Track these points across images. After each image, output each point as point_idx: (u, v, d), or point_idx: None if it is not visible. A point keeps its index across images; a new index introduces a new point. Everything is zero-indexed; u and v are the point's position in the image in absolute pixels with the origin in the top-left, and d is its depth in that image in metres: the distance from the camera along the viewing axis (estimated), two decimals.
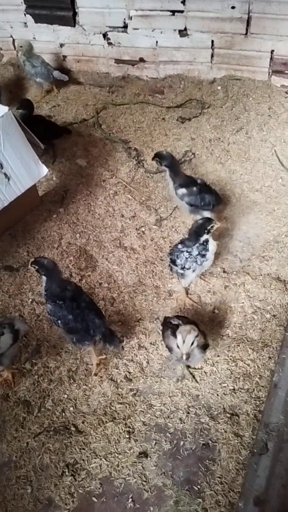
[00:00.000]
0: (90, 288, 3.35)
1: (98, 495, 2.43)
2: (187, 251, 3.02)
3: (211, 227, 2.99)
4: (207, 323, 3.10)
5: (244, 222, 3.75)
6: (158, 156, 3.50)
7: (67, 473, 2.50)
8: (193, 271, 3.04)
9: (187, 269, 3.03)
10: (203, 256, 3.01)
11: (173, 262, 3.11)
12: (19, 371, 2.92)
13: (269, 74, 5.03)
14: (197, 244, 3.00)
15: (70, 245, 3.65)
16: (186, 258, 3.01)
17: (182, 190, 3.47)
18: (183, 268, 3.04)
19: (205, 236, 3.00)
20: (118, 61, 5.32)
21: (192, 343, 2.48)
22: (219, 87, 5.03)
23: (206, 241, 3.01)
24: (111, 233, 3.74)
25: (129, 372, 2.89)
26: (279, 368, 2.81)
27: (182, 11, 4.75)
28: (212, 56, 5.06)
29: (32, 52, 4.97)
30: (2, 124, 3.37)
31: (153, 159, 3.53)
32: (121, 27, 5.10)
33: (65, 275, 3.43)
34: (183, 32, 4.96)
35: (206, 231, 2.99)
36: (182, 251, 3.04)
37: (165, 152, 3.60)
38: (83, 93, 5.21)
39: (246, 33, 4.81)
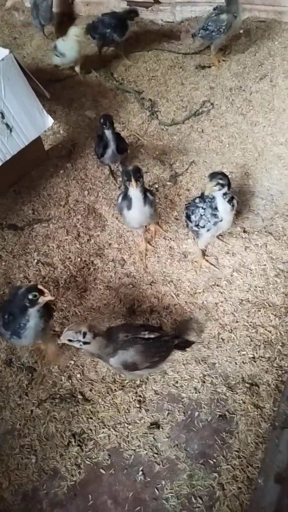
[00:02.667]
0: (99, 249, 3.12)
1: (106, 466, 2.28)
2: (202, 208, 2.73)
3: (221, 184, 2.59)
4: (225, 287, 2.86)
5: (267, 178, 3.43)
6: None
7: (73, 443, 2.35)
8: (208, 230, 2.75)
9: (202, 227, 2.75)
10: (215, 216, 2.70)
11: (188, 217, 2.84)
12: None
13: None
14: (208, 200, 2.70)
15: (77, 203, 3.39)
16: (201, 215, 2.72)
17: None
18: (197, 226, 2.76)
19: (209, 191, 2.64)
20: (131, 2, 4.89)
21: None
22: (241, 31, 4.59)
23: (213, 197, 2.67)
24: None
25: None
26: None
27: None
28: None
29: None
30: (2, 68, 3.07)
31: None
32: None
33: (72, 234, 3.20)
34: None
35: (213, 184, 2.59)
36: (198, 207, 2.75)
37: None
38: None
39: None
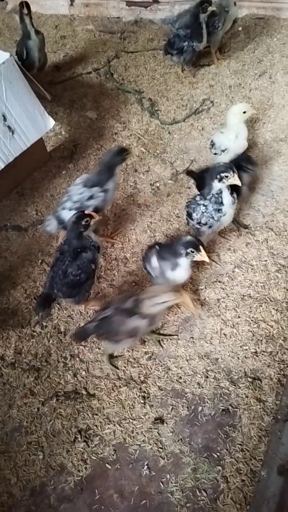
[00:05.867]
0: (102, 248, 3.15)
1: (112, 461, 2.32)
2: (203, 205, 2.76)
3: (225, 176, 2.64)
4: (227, 283, 2.89)
5: (267, 174, 3.45)
6: None
7: (79, 439, 2.39)
8: (210, 227, 2.79)
9: (204, 224, 2.78)
10: (219, 211, 2.73)
11: (189, 215, 2.87)
12: (29, 334, 2.79)
13: None
14: (211, 196, 2.73)
15: None
16: (203, 212, 2.75)
17: None
18: (199, 223, 2.79)
19: (217, 184, 2.69)
20: (130, 3, 4.91)
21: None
22: (240, 28, 4.61)
23: (220, 192, 2.71)
24: (124, 190, 3.51)
25: (144, 335, 2.72)
26: None
27: None
28: None
29: None
30: (3, 71, 3.11)
31: None
32: None
33: None
34: None
35: (218, 177, 2.66)
36: (199, 204, 2.78)
37: None
38: (93, 40, 4.85)
39: None
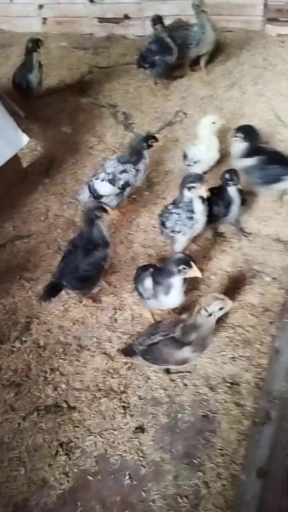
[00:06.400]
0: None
1: (94, 473, 2.32)
2: (176, 213, 2.81)
3: (193, 186, 2.70)
4: (203, 291, 2.93)
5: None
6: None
7: (61, 452, 2.39)
8: (184, 234, 2.84)
9: (178, 232, 2.83)
10: (191, 218, 2.79)
11: (162, 224, 2.92)
12: (9, 350, 2.80)
13: (263, 22, 4.70)
14: (183, 204, 2.79)
15: (57, 217, 3.47)
16: (176, 220, 2.81)
17: None
18: (173, 231, 2.85)
19: (187, 193, 2.74)
20: (102, 19, 5.03)
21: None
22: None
23: (191, 201, 2.76)
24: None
25: (124, 344, 2.75)
26: (281, 333, 2.65)
27: None
28: None
29: None
30: None
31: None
32: None
33: (53, 248, 3.27)
34: None
35: (187, 187, 2.72)
36: (172, 213, 2.83)
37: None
38: (67, 57, 4.94)
39: None
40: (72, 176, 3.74)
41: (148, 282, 2.60)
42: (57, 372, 2.69)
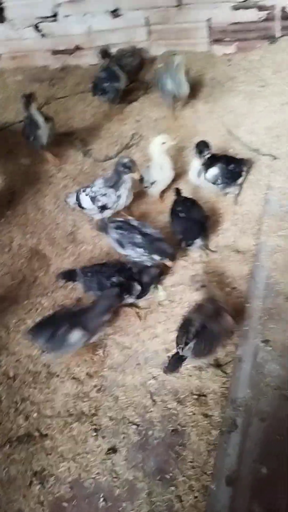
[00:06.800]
0: (45, 288, 3.24)
1: (69, 499, 2.34)
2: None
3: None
4: (166, 306, 3.00)
5: (197, 198, 3.62)
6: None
7: (35, 482, 2.41)
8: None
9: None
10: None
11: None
12: None
13: (209, 44, 4.91)
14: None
15: (21, 247, 3.53)
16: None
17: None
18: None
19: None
20: (55, 52, 5.18)
21: None
22: (160, 64, 4.88)
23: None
24: (64, 229, 3.62)
25: (91, 368, 2.79)
26: (243, 341, 2.72)
27: None
28: (149, 33, 4.93)
29: None
30: None
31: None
32: (51, 16, 4.96)
33: (17, 278, 3.32)
34: (115, 13, 4.83)
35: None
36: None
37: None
38: (24, 90, 5.01)
39: (179, 4, 4.69)
40: (33, 206, 3.80)
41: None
42: (28, 402, 2.71)
